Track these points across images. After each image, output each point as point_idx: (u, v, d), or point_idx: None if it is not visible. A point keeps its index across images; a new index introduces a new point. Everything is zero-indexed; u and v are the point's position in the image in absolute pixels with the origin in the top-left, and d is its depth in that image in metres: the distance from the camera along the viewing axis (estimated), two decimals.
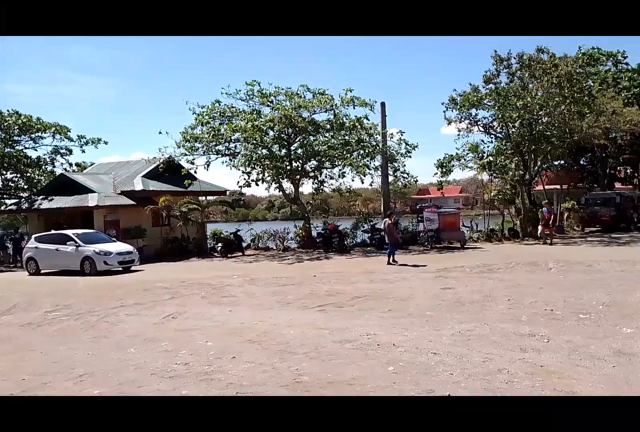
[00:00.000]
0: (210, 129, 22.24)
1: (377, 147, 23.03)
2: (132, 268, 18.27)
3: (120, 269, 17.93)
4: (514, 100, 22.16)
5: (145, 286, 13.92)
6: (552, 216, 20.66)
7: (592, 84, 24.89)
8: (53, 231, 19.81)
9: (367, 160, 22.72)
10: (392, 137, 23.89)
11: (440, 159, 24.37)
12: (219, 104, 22.76)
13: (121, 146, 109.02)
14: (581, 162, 35.50)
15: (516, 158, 23.99)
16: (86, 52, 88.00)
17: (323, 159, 22.84)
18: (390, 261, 16.21)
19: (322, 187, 23.95)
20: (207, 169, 23.29)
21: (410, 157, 23.46)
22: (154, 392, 5.50)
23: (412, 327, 7.86)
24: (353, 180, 24.56)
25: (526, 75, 23.05)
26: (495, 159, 23.76)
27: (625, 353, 6.02)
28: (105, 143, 32.35)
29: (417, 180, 25.22)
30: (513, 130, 23.34)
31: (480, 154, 24.28)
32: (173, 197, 23.86)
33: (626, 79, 32.70)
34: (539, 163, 25.55)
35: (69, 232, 18.78)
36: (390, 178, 24.29)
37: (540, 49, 22.82)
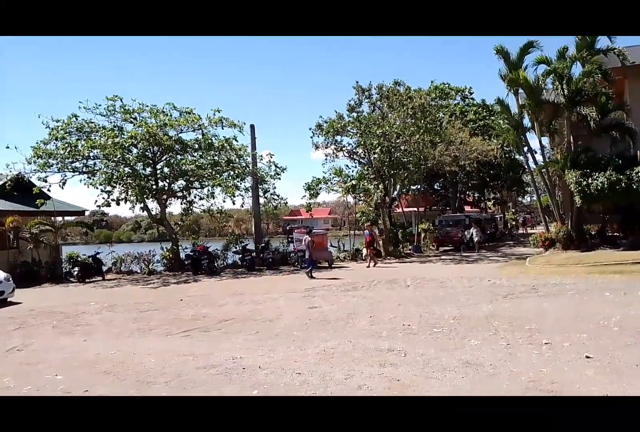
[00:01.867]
0: (65, 145, 20.71)
1: (247, 168, 23.12)
2: (9, 300, 14.89)
3: None
4: (375, 129, 23.59)
5: None
6: (372, 239, 21.58)
7: (442, 116, 27.34)
8: None
9: (237, 181, 22.70)
10: (262, 159, 24.19)
11: (308, 182, 25.16)
12: (76, 119, 21.36)
13: None
14: (435, 187, 38.74)
15: (377, 182, 25.43)
16: None
17: (191, 179, 22.32)
18: (311, 275, 17.45)
19: (191, 207, 23.35)
20: (62, 188, 21.60)
21: (279, 179, 23.92)
22: None
23: (278, 348, 7.88)
24: (224, 201, 24.23)
25: (385, 105, 24.72)
26: (358, 183, 25.06)
27: (472, 364, 6.54)
28: None
29: (287, 202, 25.64)
30: (374, 156, 24.77)
31: (345, 178, 25.43)
32: (22, 217, 21.70)
33: (472, 112, 36.59)
34: (398, 187, 27.34)
35: None
36: (262, 200, 24.47)
37: (397, 82, 24.68)
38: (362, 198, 26.78)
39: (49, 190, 21.74)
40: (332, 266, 21.53)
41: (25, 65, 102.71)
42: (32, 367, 7.55)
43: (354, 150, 25.63)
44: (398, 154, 24.54)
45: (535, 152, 27.21)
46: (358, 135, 24.37)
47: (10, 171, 20.91)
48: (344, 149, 25.45)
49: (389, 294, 13.01)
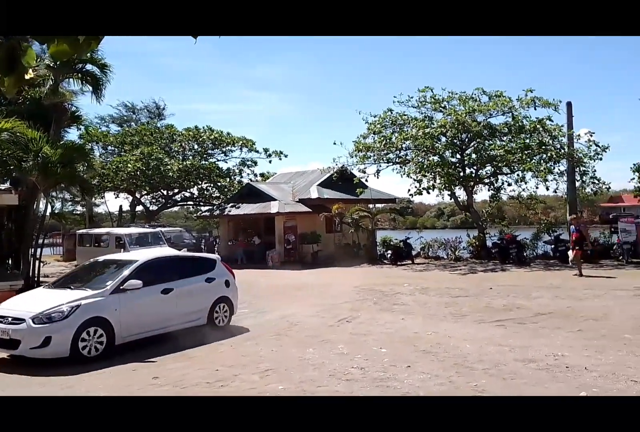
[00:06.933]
0: (381, 138, 22.49)
1: (562, 150, 21.23)
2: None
3: None
4: None
5: (318, 290, 14.48)
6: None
7: None
8: None
9: (550, 165, 21.02)
10: (579, 139, 21.81)
11: (637, 163, 21.62)
12: (391, 113, 22.95)
13: (298, 157, 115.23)
14: None
15: None
16: (267, 70, 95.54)
17: (500, 165, 21.68)
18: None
19: (498, 194, 22.74)
20: (378, 177, 23.57)
21: (600, 159, 21.15)
22: (332, 393, 5.66)
23: (607, 351, 7.05)
24: (537, 188, 22.54)
25: None
26: None
27: None
28: (286, 156, 34.60)
29: (609, 187, 22.57)
30: None
31: None
32: (345, 204, 24.57)
33: None
34: None
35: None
36: (578, 184, 22.16)
37: None
38: None
39: (366, 180, 24.07)
40: None
41: (343, 69, 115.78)
42: (360, 337, 8.47)
43: None
44: None
45: None
46: None
47: (336, 164, 23.89)
48: None
49: None
